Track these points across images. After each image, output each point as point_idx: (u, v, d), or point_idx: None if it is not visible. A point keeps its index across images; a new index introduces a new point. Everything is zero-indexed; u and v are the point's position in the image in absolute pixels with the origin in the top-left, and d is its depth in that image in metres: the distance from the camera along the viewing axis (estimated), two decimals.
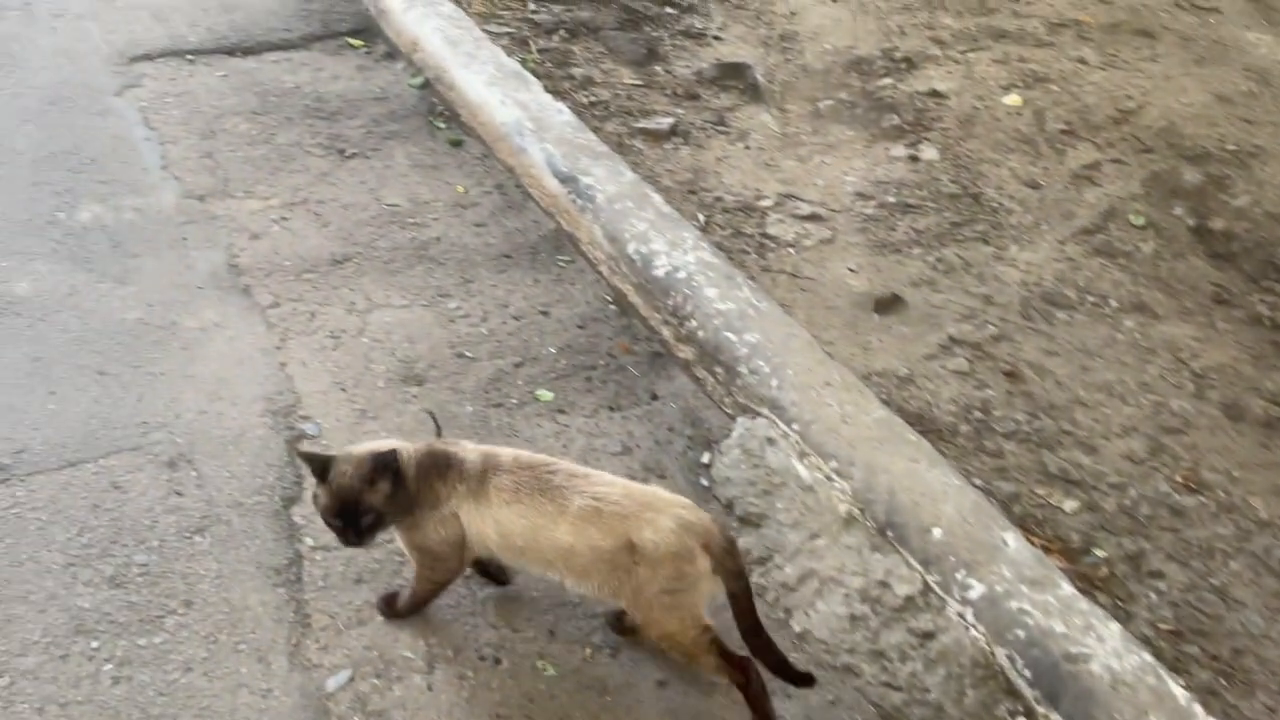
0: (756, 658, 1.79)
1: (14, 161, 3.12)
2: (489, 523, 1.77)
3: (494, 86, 3.44)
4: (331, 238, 2.98)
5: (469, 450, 1.83)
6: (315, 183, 3.22)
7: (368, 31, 4.14)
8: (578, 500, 1.72)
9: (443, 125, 3.60)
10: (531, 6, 4.22)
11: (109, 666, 1.82)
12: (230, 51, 3.89)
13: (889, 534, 2.08)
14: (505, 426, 2.41)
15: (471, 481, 1.78)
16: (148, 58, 3.77)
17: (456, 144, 3.50)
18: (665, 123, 3.49)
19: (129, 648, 1.85)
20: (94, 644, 1.85)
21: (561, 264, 2.98)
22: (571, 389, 2.55)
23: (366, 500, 1.73)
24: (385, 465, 1.74)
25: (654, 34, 4.13)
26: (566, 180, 3.03)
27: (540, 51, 3.88)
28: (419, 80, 3.83)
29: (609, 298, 2.86)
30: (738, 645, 1.81)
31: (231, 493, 2.17)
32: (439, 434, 2.33)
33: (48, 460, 2.18)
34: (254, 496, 2.16)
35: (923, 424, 2.39)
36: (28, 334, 2.51)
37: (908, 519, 2.06)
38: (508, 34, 3.97)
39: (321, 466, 1.75)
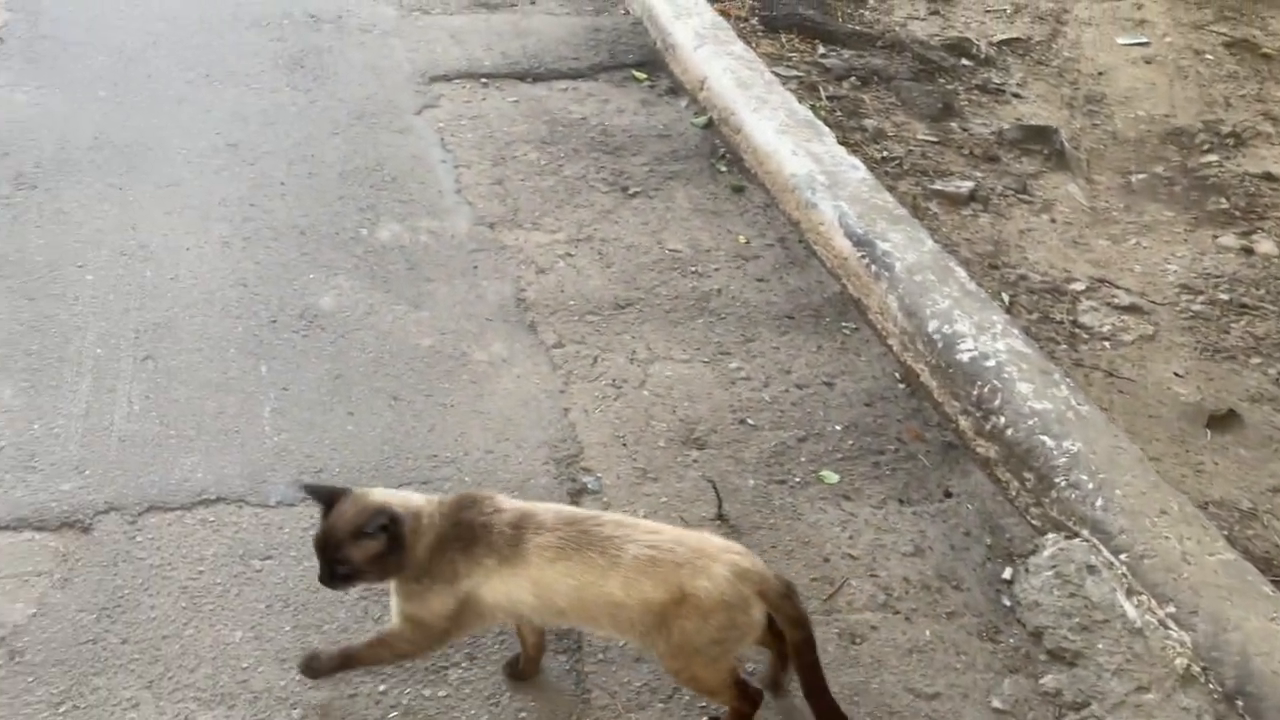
0: (817, 714, 1.69)
1: (323, 173, 3.26)
2: (523, 588, 1.63)
3: (785, 135, 3.33)
4: (614, 280, 2.94)
5: (504, 515, 1.66)
6: (599, 220, 3.20)
7: (652, 65, 4.13)
8: (631, 550, 1.60)
9: (725, 169, 3.52)
10: (821, 50, 4.10)
11: (394, 714, 1.81)
12: (521, 77, 3.96)
13: (1238, 703, 1.80)
14: (787, 507, 2.28)
15: (503, 550, 1.63)
16: (445, 78, 3.89)
17: (738, 190, 3.41)
18: (964, 186, 3.27)
19: (414, 696, 1.83)
20: (381, 687, 1.84)
21: (846, 331, 2.82)
22: (857, 473, 2.38)
23: (347, 552, 1.60)
24: (379, 528, 1.59)
25: (949, 87, 3.91)
26: (860, 243, 2.86)
27: (829, 99, 3.75)
28: (702, 119, 3.77)
29: (898, 375, 2.68)
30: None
31: None
32: (720, 506, 2.23)
33: (348, 482, 2.21)
34: None
35: (1272, 571, 2.07)
36: (330, 350, 2.59)
37: (1265, 690, 1.78)
38: (796, 78, 3.86)
39: (328, 499, 1.64)
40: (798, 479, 2.35)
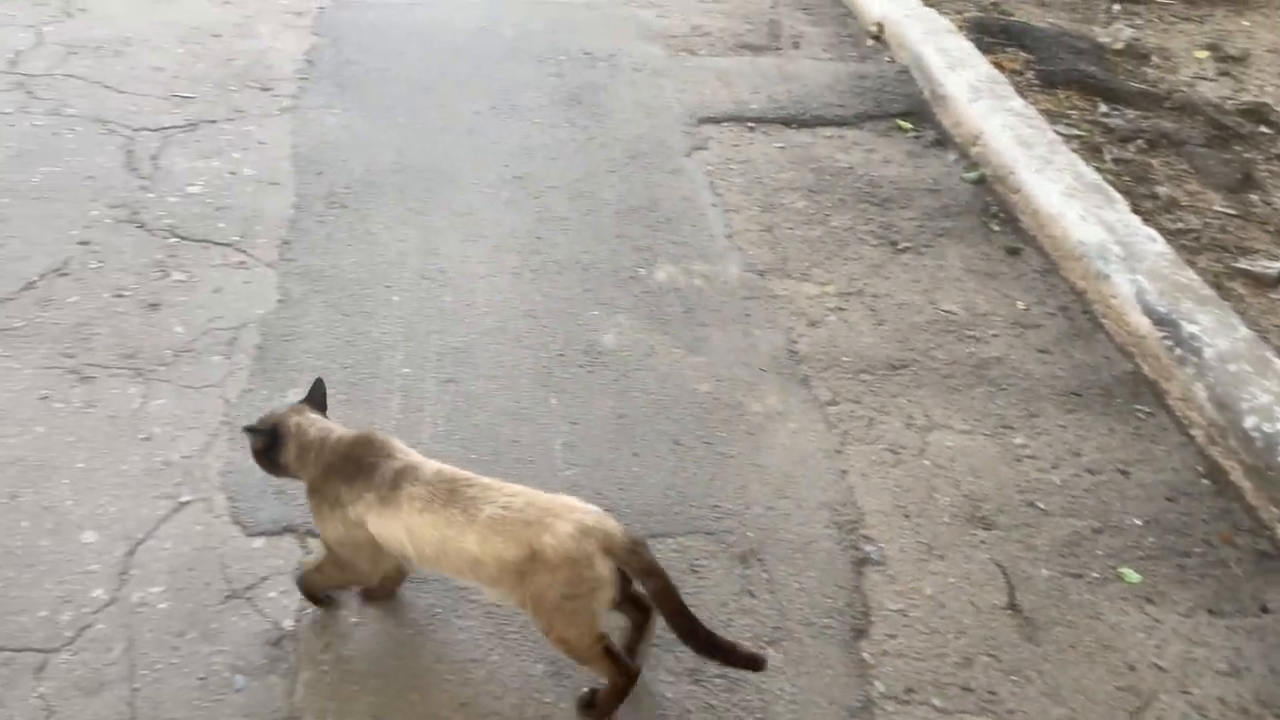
0: (701, 654, 1.76)
1: (602, 210, 3.37)
2: (398, 530, 1.78)
3: (1072, 199, 3.19)
4: (887, 338, 2.90)
5: (392, 462, 1.82)
6: (869, 274, 3.16)
7: (918, 115, 4.06)
8: (487, 510, 1.72)
9: (998, 228, 3.41)
10: (1102, 109, 3.91)
11: None
12: (787, 122, 3.97)
13: None
14: (1085, 604, 2.16)
15: (382, 491, 1.78)
16: (713, 121, 3.95)
17: (1013, 252, 3.29)
18: (1272, 267, 3.04)
19: None
20: None
21: (1140, 415, 2.67)
22: (1161, 575, 2.24)
23: (254, 446, 1.94)
24: (258, 431, 1.91)
25: (1247, 155, 3.65)
26: (1162, 322, 2.70)
27: (1114, 162, 3.57)
28: (974, 175, 3.67)
29: (1201, 469, 2.51)
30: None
31: (801, 607, 2.12)
32: (1012, 595, 2.14)
33: (633, 526, 2.25)
34: (824, 618, 2.10)
35: None
36: (614, 388, 2.66)
37: None
38: (1076, 137, 3.70)
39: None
40: (1095, 574, 2.23)
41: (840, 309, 3.01)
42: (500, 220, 3.29)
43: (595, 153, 3.70)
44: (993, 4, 4.89)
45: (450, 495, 1.76)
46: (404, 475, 1.79)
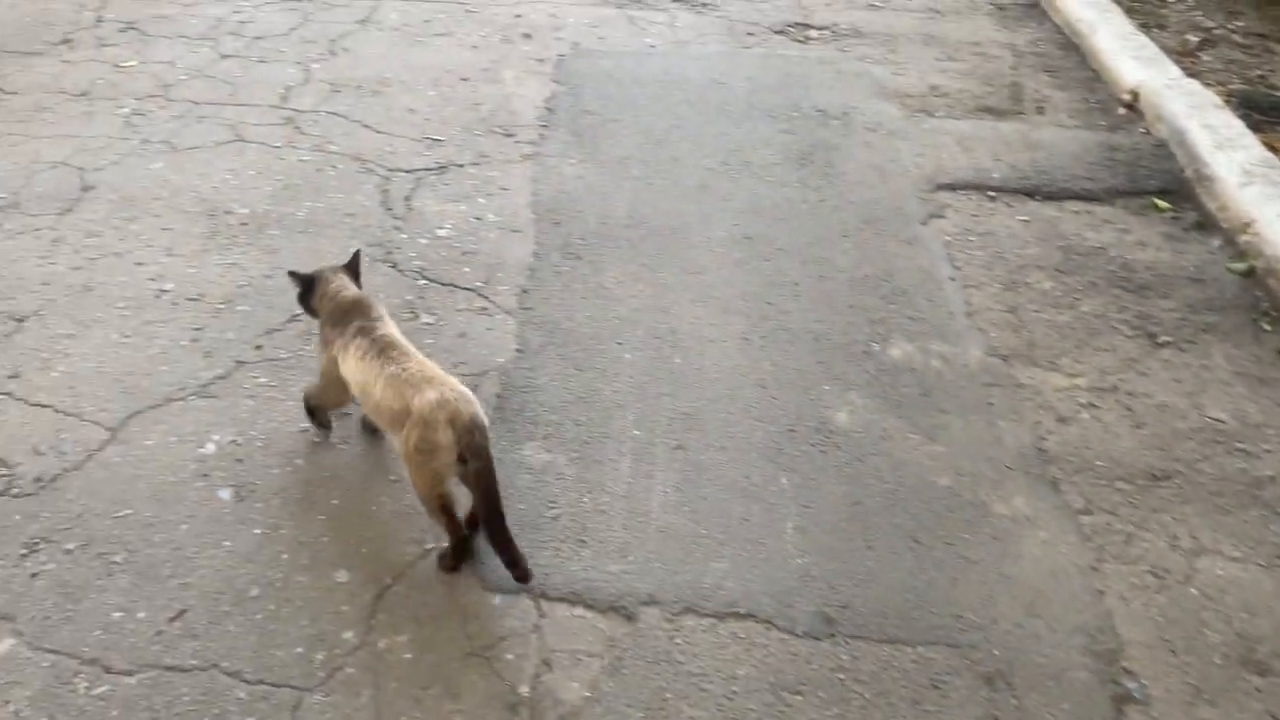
0: (490, 540, 2.10)
1: (834, 278, 3.30)
2: (349, 371, 2.23)
3: None
4: (1146, 444, 2.68)
5: (364, 325, 2.27)
6: (1124, 368, 2.95)
7: (1177, 194, 3.78)
8: (391, 369, 2.13)
9: (1269, 328, 3.11)
10: None
11: None
12: (1031, 193, 3.78)
13: None
14: None
15: (347, 338, 2.24)
16: (951, 187, 3.81)
17: None
18: None
19: None
20: None
21: None
22: None
23: (296, 290, 2.46)
24: (294, 275, 2.45)
25: None
26: None
27: None
28: (1242, 266, 3.38)
29: None
30: None
31: None
32: None
33: (869, 627, 2.17)
34: None
35: None
36: (847, 471, 2.57)
37: None
38: None
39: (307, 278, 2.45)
40: None
41: (1093, 405, 2.81)
42: (730, 281, 3.27)
43: (827, 215, 3.63)
44: (1260, 77, 4.53)
45: (379, 353, 2.19)
46: (361, 331, 2.24)
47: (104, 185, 3.58)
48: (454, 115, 4.16)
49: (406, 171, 3.75)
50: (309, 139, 3.93)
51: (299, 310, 2.55)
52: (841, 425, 2.72)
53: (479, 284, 3.19)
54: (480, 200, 3.61)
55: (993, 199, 3.76)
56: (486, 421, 2.11)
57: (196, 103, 4.16)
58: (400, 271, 3.22)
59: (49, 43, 4.63)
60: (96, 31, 4.77)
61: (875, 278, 3.31)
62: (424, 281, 3.18)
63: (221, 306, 2.98)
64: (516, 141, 4.00)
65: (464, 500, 2.21)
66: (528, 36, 4.92)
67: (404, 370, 2.13)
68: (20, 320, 2.91)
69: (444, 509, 2.15)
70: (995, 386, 2.88)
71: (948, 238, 3.53)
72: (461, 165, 3.81)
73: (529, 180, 3.75)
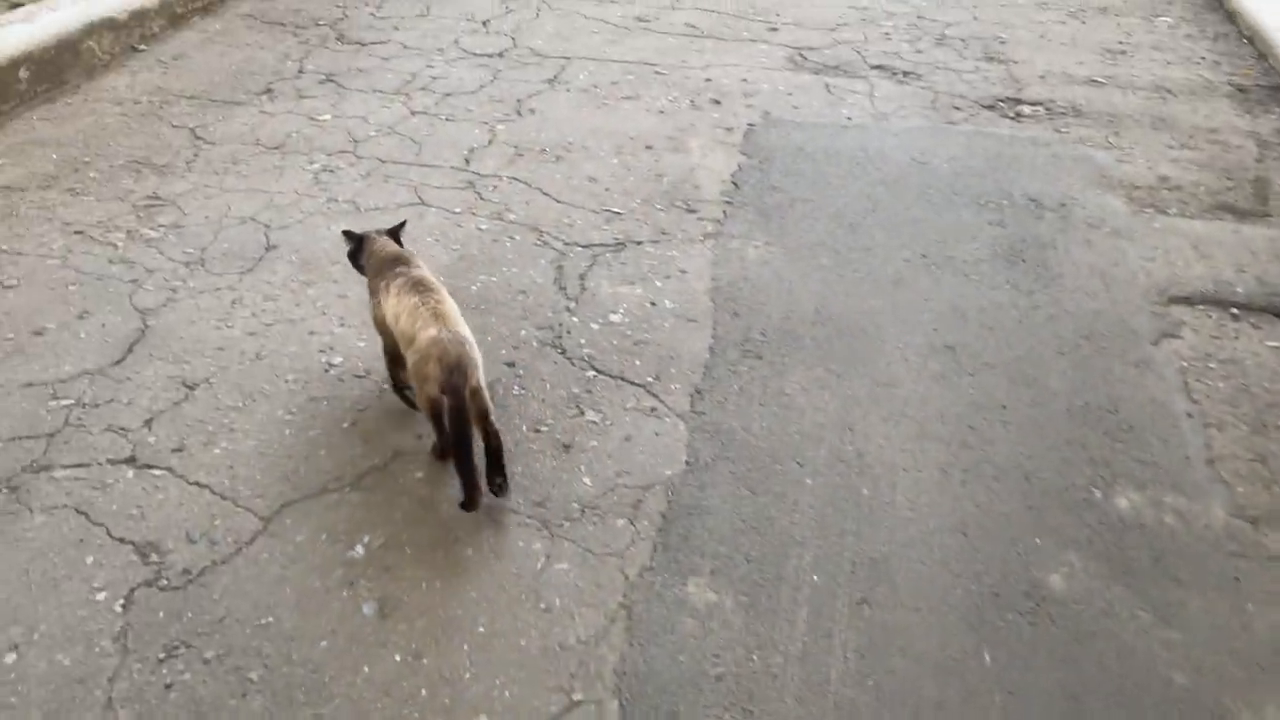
0: (456, 464, 2.40)
1: (1049, 404, 2.91)
2: (387, 307, 2.54)
3: None
4: None
5: (404, 269, 2.60)
6: None
7: None
8: (411, 301, 2.47)
9: None
10: None
11: None
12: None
13: None
14: None
15: (387, 280, 2.58)
16: (1187, 301, 3.35)
17: None
18: None
19: None
20: None
21: None
22: None
23: (347, 247, 2.85)
24: (347, 234, 2.82)
25: None
26: None
27: None
28: None
29: None
30: None
31: None
32: None
33: None
34: None
35: None
36: (1062, 652, 2.20)
37: None
38: None
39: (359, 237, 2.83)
40: None
41: None
42: (927, 398, 2.93)
43: (1041, 326, 3.24)
44: None
45: (411, 288, 2.50)
46: (399, 274, 2.56)
47: (286, 245, 3.58)
48: (635, 186, 4.00)
49: (583, 247, 3.59)
50: (488, 206, 3.84)
51: None
52: (1056, 591, 2.34)
53: (650, 379, 2.97)
54: (657, 283, 3.40)
55: (1236, 318, 3.28)
56: (476, 360, 2.40)
57: (383, 161, 4.15)
58: (569, 359, 3.04)
59: (251, 92, 4.77)
60: (297, 83, 4.88)
61: (1097, 407, 2.90)
62: (592, 373, 2.99)
63: (385, 388, 2.86)
64: (699, 218, 3.79)
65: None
66: (717, 103, 4.74)
67: (424, 304, 2.45)
68: (191, 388, 2.88)
69: (434, 417, 2.43)
70: (1242, 557, 2.43)
71: (1183, 363, 3.08)
72: (640, 243, 3.63)
73: (709, 263, 3.52)
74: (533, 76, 4.97)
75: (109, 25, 4.95)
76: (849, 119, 4.60)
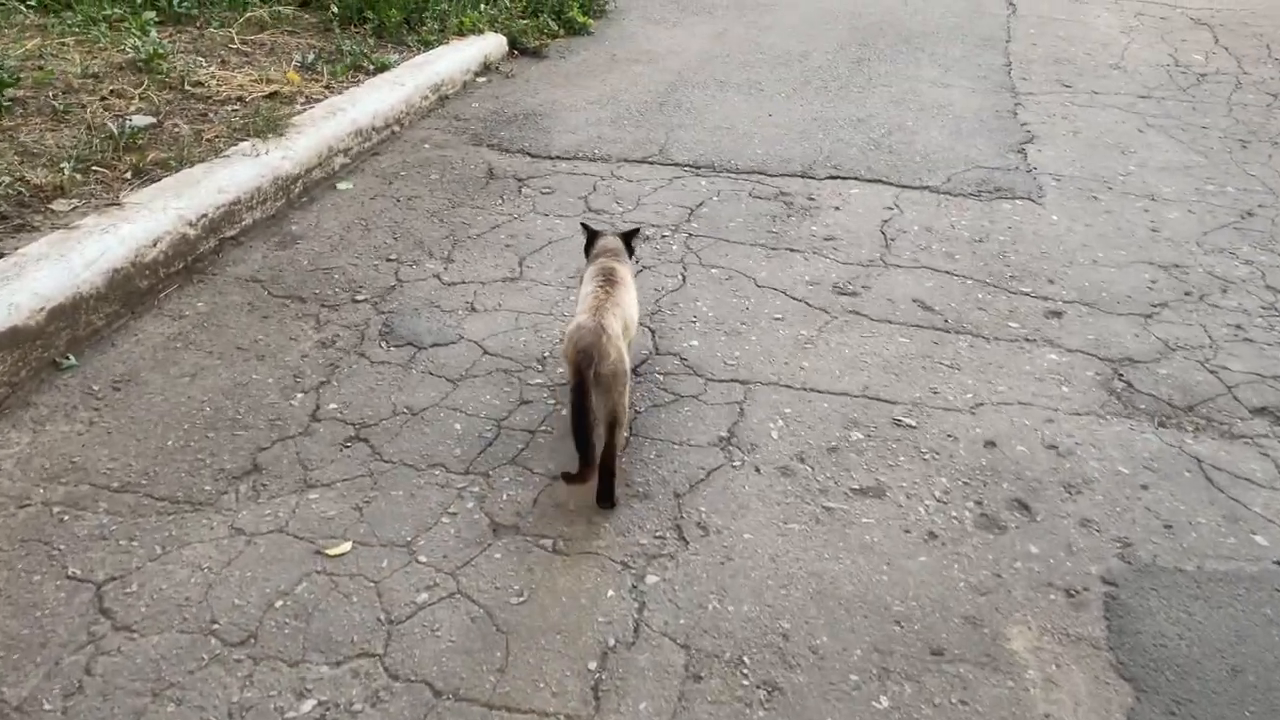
0: (576, 440, 2.46)
1: None
2: (580, 291, 2.89)
3: None
4: None
5: (613, 260, 2.93)
6: None
7: None
8: (589, 288, 2.77)
9: None
10: None
11: None
12: None
13: None
14: None
15: (590, 270, 2.90)
16: None
17: None
18: None
19: None
20: None
21: None
22: None
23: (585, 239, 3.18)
24: (584, 226, 3.19)
25: None
26: None
27: None
28: None
29: None
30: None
31: None
32: None
33: None
34: None
35: None
36: None
37: None
38: None
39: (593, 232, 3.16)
40: None
41: None
42: None
43: None
44: None
45: (593, 278, 2.80)
46: (599, 265, 2.88)
47: None
48: None
49: None
50: None
51: None
52: None
53: None
54: None
55: None
56: (610, 353, 2.48)
57: None
58: None
59: (219, 486, 2.85)
60: (303, 450, 2.96)
61: None
62: None
63: None
64: None
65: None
66: (1023, 508, 2.69)
67: (593, 295, 2.68)
68: None
69: (575, 392, 2.46)
70: None
71: None
72: None
73: None
74: (695, 433, 2.98)
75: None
76: (1265, 548, 2.50)
